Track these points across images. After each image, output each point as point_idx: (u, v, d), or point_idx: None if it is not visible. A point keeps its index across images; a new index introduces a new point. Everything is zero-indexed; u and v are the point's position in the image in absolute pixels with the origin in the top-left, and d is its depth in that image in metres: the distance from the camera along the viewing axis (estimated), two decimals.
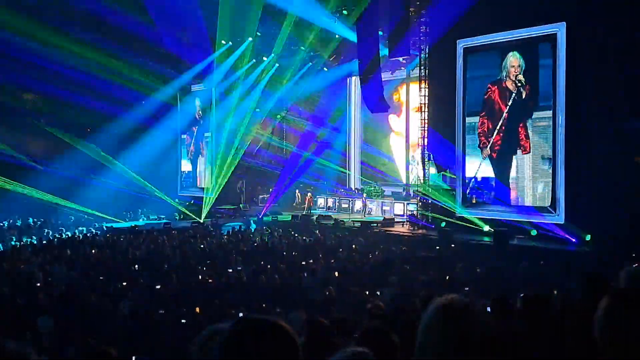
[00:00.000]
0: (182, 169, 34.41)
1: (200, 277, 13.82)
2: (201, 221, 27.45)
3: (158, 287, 12.80)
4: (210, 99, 31.69)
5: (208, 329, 2.47)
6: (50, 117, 30.66)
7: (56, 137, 30.17)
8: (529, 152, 19.09)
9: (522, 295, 3.79)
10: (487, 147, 20.21)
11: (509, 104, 19.56)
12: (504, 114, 19.69)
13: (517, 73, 19.36)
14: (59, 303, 11.19)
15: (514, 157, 19.51)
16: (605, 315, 1.75)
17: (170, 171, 33.49)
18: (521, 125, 19.27)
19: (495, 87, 20.02)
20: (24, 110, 30.79)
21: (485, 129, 20.32)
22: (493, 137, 20.03)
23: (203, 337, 2.44)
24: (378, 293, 11.48)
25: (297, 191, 30.41)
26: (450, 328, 1.78)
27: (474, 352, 1.74)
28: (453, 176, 21.56)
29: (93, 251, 17.85)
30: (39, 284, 12.74)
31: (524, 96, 19.23)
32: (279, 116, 31.98)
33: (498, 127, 19.89)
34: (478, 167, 20.54)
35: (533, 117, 19.02)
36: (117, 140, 30.50)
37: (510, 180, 19.64)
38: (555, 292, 10.13)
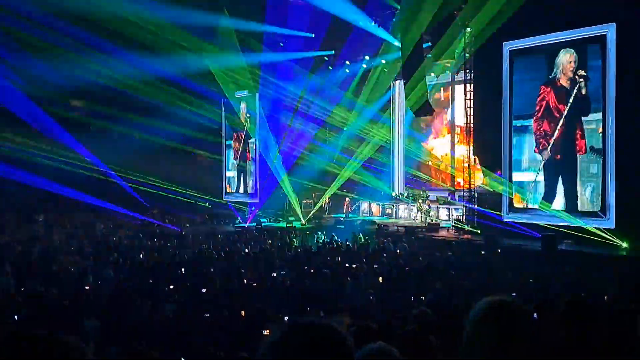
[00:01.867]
0: (228, 174, 34.85)
1: (245, 281, 13.92)
2: (246, 225, 27.68)
3: (203, 290, 12.93)
4: (255, 105, 31.99)
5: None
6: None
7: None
8: (584, 152, 18.69)
9: (566, 300, 3.71)
10: (547, 149, 19.75)
11: (570, 102, 19.04)
12: (564, 114, 19.24)
13: (574, 68, 18.93)
14: (106, 305, 11.39)
15: (576, 157, 19.09)
16: None
17: (215, 176, 33.88)
18: (578, 123, 18.86)
19: (550, 87, 19.58)
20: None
21: (542, 131, 19.91)
22: (553, 139, 19.60)
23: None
24: (422, 298, 11.41)
25: (327, 197, 30.21)
26: (500, 325, 1.80)
27: (521, 349, 1.75)
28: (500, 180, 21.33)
29: (141, 255, 18.16)
30: (87, 287, 13.00)
31: (583, 92, 18.72)
32: (323, 122, 31.97)
33: (558, 128, 19.45)
34: (538, 170, 20.16)
35: (584, 119, 18.67)
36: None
37: (572, 183, 19.21)
38: (605, 297, 9.97)
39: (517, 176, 20.74)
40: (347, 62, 29.56)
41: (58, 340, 1.32)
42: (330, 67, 30.39)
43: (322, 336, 1.56)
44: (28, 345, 1.29)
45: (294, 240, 22.22)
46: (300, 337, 1.56)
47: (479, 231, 21.46)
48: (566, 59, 19.17)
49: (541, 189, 20.00)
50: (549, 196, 19.68)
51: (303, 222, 28.13)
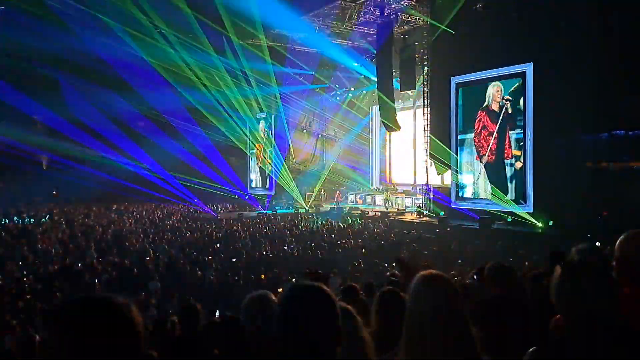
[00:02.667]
0: (251, 176, 34.78)
1: (264, 252, 13.95)
2: (264, 212, 27.64)
3: (234, 260, 12.96)
4: (271, 123, 32.03)
5: (250, 297, 2.54)
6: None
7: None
8: (511, 158, 18.73)
9: (489, 265, 3.75)
10: (485, 155, 19.73)
11: (499, 121, 19.06)
12: (495, 130, 19.24)
13: (501, 96, 19.03)
14: (163, 271, 11.42)
15: (503, 162, 19.08)
16: (557, 282, 1.75)
17: (241, 175, 33.80)
18: (507, 136, 18.90)
19: (484, 112, 19.57)
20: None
21: (480, 144, 19.83)
22: (489, 149, 19.61)
23: (248, 300, 2.51)
24: (394, 264, 11.43)
25: (322, 189, 30.19)
26: (426, 290, 1.79)
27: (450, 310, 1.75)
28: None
29: (187, 234, 18.16)
30: (148, 258, 13.03)
31: (510, 112, 18.74)
32: (320, 135, 32.02)
33: (491, 142, 19.46)
34: (480, 171, 20.03)
35: (510, 133, 18.67)
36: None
37: (503, 179, 19.22)
38: (526, 263, 10.01)
39: (460, 175, 20.77)
40: (338, 92, 29.64)
41: (111, 301, 1.25)
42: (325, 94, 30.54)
43: (314, 293, 1.61)
44: (87, 306, 1.24)
45: (300, 222, 22.20)
46: (298, 294, 1.61)
47: (434, 215, 21.50)
48: (494, 90, 19.20)
49: (480, 183, 20.00)
50: (486, 189, 19.69)
51: (306, 208, 28.11)
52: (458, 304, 1.75)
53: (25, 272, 11.12)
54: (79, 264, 12.06)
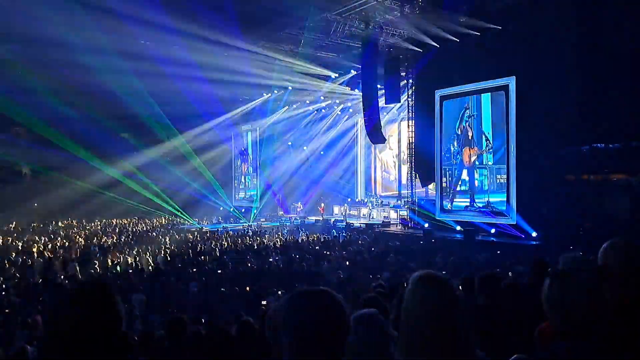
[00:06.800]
0: (236, 187, 34.66)
1: (249, 264, 13.87)
2: (249, 224, 27.54)
3: (219, 272, 12.87)
4: (257, 136, 32.04)
5: (273, 308, 2.49)
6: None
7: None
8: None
9: (479, 275, 3.79)
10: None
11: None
12: (475, 145, 19.66)
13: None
14: (147, 283, 11.30)
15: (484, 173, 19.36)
16: (547, 290, 1.77)
17: (227, 187, 33.70)
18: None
19: (463, 125, 19.97)
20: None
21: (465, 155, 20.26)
22: (470, 160, 19.94)
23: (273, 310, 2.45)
24: (379, 276, 11.45)
25: (299, 203, 30.12)
26: (426, 291, 1.76)
27: (444, 309, 1.73)
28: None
29: (172, 246, 18.00)
30: (130, 270, 12.88)
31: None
32: (305, 148, 32.04)
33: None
34: (459, 181, 20.42)
35: (493, 145, 18.90)
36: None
37: (478, 191, 19.45)
38: (510, 273, 10.08)
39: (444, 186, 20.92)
40: (323, 105, 29.73)
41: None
42: (311, 109, 30.57)
43: (324, 299, 1.53)
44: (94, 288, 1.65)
45: (285, 233, 22.14)
46: (306, 301, 1.53)
47: (418, 227, 21.56)
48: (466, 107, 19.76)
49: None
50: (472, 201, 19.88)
51: (291, 220, 28.07)
52: (454, 304, 1.74)
53: (5, 286, 10.91)
54: (61, 277, 11.88)
